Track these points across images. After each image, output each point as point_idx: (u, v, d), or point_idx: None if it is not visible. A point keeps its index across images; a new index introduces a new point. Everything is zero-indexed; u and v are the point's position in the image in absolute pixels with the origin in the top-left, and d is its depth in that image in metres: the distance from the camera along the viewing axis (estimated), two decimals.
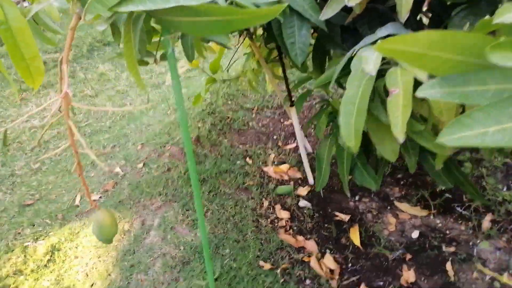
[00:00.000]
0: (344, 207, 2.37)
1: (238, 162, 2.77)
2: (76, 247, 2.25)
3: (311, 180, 2.56)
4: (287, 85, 2.07)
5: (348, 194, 1.94)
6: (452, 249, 2.07)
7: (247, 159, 2.82)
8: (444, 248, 2.08)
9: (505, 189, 2.37)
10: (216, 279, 1.81)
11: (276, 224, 2.27)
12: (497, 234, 2.11)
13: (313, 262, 2.03)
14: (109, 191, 2.58)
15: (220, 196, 2.43)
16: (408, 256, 2.04)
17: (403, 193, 2.44)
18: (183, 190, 2.41)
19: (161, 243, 2.07)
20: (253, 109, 3.41)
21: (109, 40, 5.34)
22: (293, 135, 3.09)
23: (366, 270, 2.00)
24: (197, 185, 1.31)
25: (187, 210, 2.27)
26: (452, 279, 1.91)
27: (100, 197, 2.56)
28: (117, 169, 2.76)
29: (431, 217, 2.26)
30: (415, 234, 2.16)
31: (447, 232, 2.16)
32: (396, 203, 2.37)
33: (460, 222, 2.22)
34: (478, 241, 2.10)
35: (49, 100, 4.04)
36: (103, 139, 3.27)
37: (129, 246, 2.10)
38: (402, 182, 2.53)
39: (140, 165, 2.69)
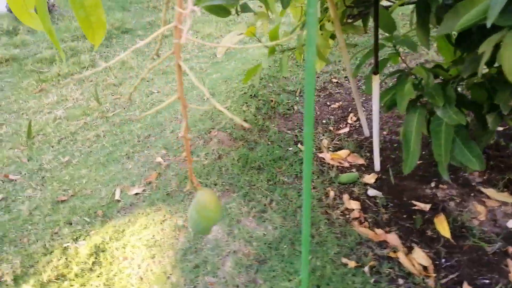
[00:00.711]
0: (421, 195, 2.11)
1: (290, 148, 2.51)
2: (124, 247, 2.00)
3: (377, 166, 2.29)
4: (377, 49, 1.79)
5: (448, 178, 1.67)
6: None
7: (299, 145, 2.56)
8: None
9: None
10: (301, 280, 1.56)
11: (348, 216, 2.01)
12: None
13: (402, 258, 1.77)
14: (153, 183, 2.33)
15: (280, 186, 2.17)
16: (510, 249, 1.77)
17: (485, 177, 2.17)
18: (241, 179, 2.15)
19: (227, 239, 1.81)
20: (295, 92, 3.14)
21: (127, 27, 5.06)
22: (343, 119, 2.82)
23: (464, 266, 1.73)
24: (309, 179, 1.05)
25: (249, 201, 2.01)
26: None
27: (144, 190, 2.30)
28: (158, 159, 2.50)
29: None
30: (510, 224, 1.90)
31: None
32: (482, 189, 2.10)
33: None
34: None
35: (71, 88, 3.77)
36: (135, 128, 3.01)
37: (188, 244, 1.85)
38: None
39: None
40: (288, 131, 2.70)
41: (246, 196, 2.05)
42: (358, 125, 2.76)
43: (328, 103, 3.04)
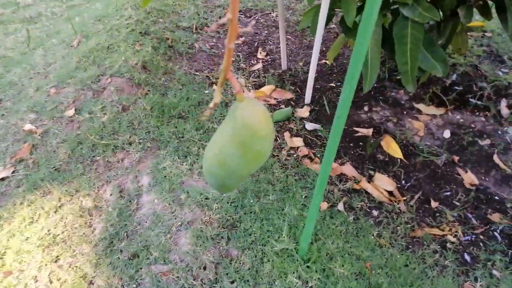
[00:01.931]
0: (359, 121, 1.96)
1: (207, 91, 2.08)
2: (2, 257, 1.35)
3: (308, 99, 2.05)
4: None
5: (413, 90, 1.51)
6: (487, 141, 1.86)
7: (214, 86, 2.14)
8: (480, 142, 1.86)
9: (500, 73, 2.27)
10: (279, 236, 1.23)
11: (296, 155, 1.73)
12: None
13: (369, 188, 1.59)
14: (27, 159, 1.64)
15: (212, 134, 1.75)
16: (455, 158, 1.76)
17: (410, 95, 2.14)
18: (163, 132, 1.65)
19: (174, 209, 1.34)
20: (191, 28, 2.64)
21: None
22: (252, 55, 2.48)
23: (424, 183, 1.65)
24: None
25: (185, 156, 1.55)
26: (509, 171, 1.70)
27: (15, 172, 1.60)
28: (28, 126, 1.78)
29: (450, 113, 2.02)
30: (446, 134, 1.90)
31: (473, 126, 1.95)
32: (414, 104, 2.06)
33: (478, 113, 2.03)
34: (505, 128, 1.94)
35: None
36: None
37: (112, 228, 1.32)
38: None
39: (70, 112, 1.77)
40: (197, 73, 2.24)
41: (179, 151, 1.58)
42: (269, 59, 2.46)
43: None
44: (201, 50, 2.47)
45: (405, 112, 2.03)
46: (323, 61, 2.44)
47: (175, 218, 1.33)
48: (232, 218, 1.32)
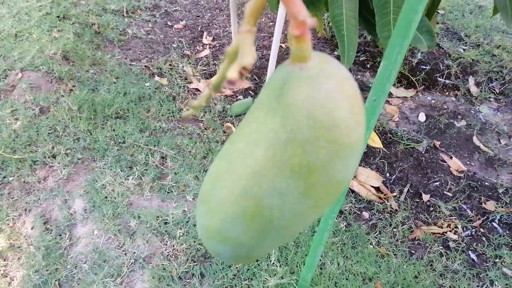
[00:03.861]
0: None
1: (147, 84, 1.72)
2: None
3: None
4: None
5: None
6: (463, 122, 1.75)
7: (157, 77, 1.79)
8: (457, 124, 1.73)
9: (461, 50, 2.18)
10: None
11: None
12: (485, 94, 1.89)
13: (354, 185, 1.37)
14: None
15: (161, 134, 1.41)
16: (436, 143, 1.61)
17: (373, 75, 1.96)
18: (98, 137, 1.28)
19: (121, 241, 0.99)
20: (121, 12, 2.24)
21: None
22: (196, 40, 2.16)
23: (410, 174, 1.48)
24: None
25: (130, 168, 1.20)
26: (491, 153, 1.58)
27: None
28: None
29: (421, 95, 1.88)
30: (422, 117, 1.75)
31: (446, 106, 1.82)
32: None
33: (448, 93, 1.91)
34: (477, 107, 1.84)
35: None
36: None
37: (45, 270, 0.95)
38: (369, 65, 2.04)
39: None
40: (133, 62, 1.87)
41: (121, 161, 1.22)
42: (217, 44, 2.16)
43: (169, 24, 2.29)
44: (136, 37, 2.09)
45: None
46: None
47: (125, 254, 0.99)
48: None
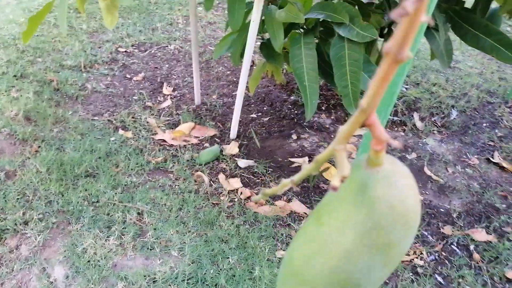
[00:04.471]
0: (291, 151, 1.84)
1: (113, 138, 1.73)
2: None
3: (234, 133, 1.86)
4: None
5: (354, 111, 1.41)
6: (414, 155, 1.91)
7: (121, 131, 1.80)
8: (408, 157, 1.90)
9: (404, 89, 2.41)
10: None
11: (238, 199, 1.51)
12: (430, 128, 2.10)
13: None
14: None
15: (134, 190, 1.41)
16: None
17: (332, 117, 2.11)
18: (70, 198, 1.24)
19: None
20: (79, 67, 2.24)
21: None
22: (157, 92, 2.21)
23: None
24: None
25: (109, 227, 1.17)
26: (441, 181, 1.74)
27: None
28: None
29: None
30: None
31: (397, 140, 1.98)
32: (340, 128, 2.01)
33: (397, 128, 2.09)
34: (424, 140, 2.02)
35: None
36: None
37: None
38: (324, 107, 2.19)
39: None
40: (96, 117, 1.86)
41: (98, 222, 1.20)
42: (178, 95, 2.22)
43: (128, 76, 2.32)
44: (96, 91, 2.09)
45: (332, 136, 1.97)
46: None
47: None
48: None
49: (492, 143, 2.03)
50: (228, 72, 2.51)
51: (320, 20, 1.44)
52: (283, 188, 0.28)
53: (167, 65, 2.53)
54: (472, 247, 1.39)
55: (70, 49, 2.31)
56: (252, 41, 1.47)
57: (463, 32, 1.44)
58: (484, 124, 2.20)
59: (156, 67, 2.49)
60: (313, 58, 1.42)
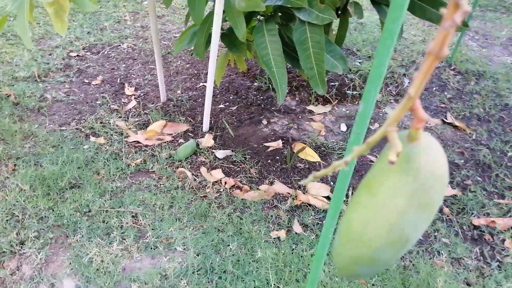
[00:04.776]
0: (264, 136, 1.90)
1: (86, 146, 1.70)
2: None
3: (206, 126, 1.89)
4: None
5: (324, 91, 1.51)
6: (376, 125, 2.05)
7: (93, 138, 1.77)
8: (372, 127, 2.03)
9: (358, 63, 2.53)
10: None
11: (224, 189, 1.55)
12: (387, 98, 2.24)
13: (309, 199, 1.53)
14: None
15: (122, 195, 1.41)
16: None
17: (297, 99, 2.19)
18: (62, 211, 1.21)
19: None
20: (33, 77, 2.15)
21: None
22: (119, 93, 2.17)
23: (358, 178, 1.68)
24: None
25: (107, 235, 1.16)
26: None
27: None
28: None
29: (336, 108, 2.15)
30: (343, 127, 2.00)
31: None
32: (309, 108, 2.11)
33: (357, 102, 2.21)
34: (383, 110, 2.16)
35: None
36: None
37: None
38: (287, 90, 2.26)
39: None
40: (63, 127, 1.81)
41: (97, 230, 1.19)
42: (142, 94, 2.20)
43: (86, 81, 2.26)
44: (57, 100, 2.02)
45: (300, 117, 2.06)
46: (201, 84, 2.30)
47: None
48: None
49: (443, 105, 2.21)
50: (188, 66, 2.50)
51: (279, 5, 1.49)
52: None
53: (123, 65, 2.48)
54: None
55: (19, 60, 2.20)
56: (217, 34, 1.50)
57: (411, 4, 1.55)
58: (434, 88, 2.38)
59: (113, 68, 2.43)
60: (278, 45, 1.47)
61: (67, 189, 1.36)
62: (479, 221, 1.47)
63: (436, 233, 1.42)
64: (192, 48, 2.09)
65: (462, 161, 1.80)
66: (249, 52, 1.80)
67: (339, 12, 1.70)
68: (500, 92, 2.36)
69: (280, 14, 1.62)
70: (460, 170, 1.73)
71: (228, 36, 1.72)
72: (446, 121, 2.07)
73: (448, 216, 1.49)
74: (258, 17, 1.69)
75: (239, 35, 1.51)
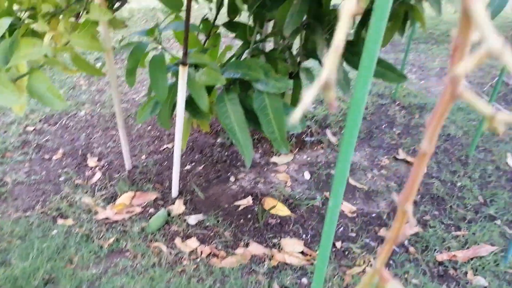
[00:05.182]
0: (234, 194, 1.95)
1: (55, 232, 1.67)
2: None
3: (175, 192, 1.92)
4: (187, 31, 1.34)
5: (287, 150, 1.60)
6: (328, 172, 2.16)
7: (60, 220, 1.75)
8: (332, 172, 2.14)
9: (311, 109, 2.68)
10: None
11: (201, 259, 1.58)
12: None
13: (285, 258, 1.59)
14: None
15: (100, 283, 1.39)
16: (327, 194, 1.96)
17: (260, 152, 2.28)
18: None
19: None
20: None
21: None
22: (82, 166, 2.16)
23: (319, 228, 1.77)
24: None
25: None
26: (365, 188, 2.01)
27: None
28: None
29: (298, 156, 2.26)
30: (307, 176, 2.10)
31: (319, 160, 2.23)
32: (271, 160, 2.19)
33: (316, 148, 2.34)
34: None
35: None
36: None
37: None
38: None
39: None
40: (27, 213, 1.77)
41: None
42: (106, 163, 2.19)
43: (46, 157, 2.22)
44: (18, 183, 1.98)
45: (265, 169, 2.14)
46: (165, 146, 2.34)
47: None
48: None
49: (394, 142, 2.38)
50: (149, 128, 2.54)
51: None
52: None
53: (83, 134, 2.46)
54: (406, 242, 1.66)
55: None
56: (181, 110, 1.56)
57: (355, 63, 1.71)
58: (384, 126, 2.57)
59: (73, 139, 2.41)
60: (240, 113, 1.56)
61: (42, 286, 1.33)
62: (442, 256, 1.59)
63: (406, 275, 1.52)
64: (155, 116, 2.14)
65: (419, 196, 1.94)
66: (211, 113, 1.87)
67: (292, 75, 1.83)
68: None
69: (239, 83, 1.72)
70: (419, 206, 1.87)
71: (191, 104, 1.79)
72: (399, 157, 2.23)
73: (414, 255, 1.60)
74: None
75: (203, 107, 1.58)
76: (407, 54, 2.69)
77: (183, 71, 1.43)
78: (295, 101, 1.86)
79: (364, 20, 1.61)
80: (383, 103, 2.83)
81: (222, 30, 1.91)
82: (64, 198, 1.89)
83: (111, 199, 1.92)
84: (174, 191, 1.91)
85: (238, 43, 1.88)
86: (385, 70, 1.65)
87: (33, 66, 1.12)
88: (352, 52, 1.70)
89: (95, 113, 2.69)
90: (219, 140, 2.39)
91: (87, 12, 1.10)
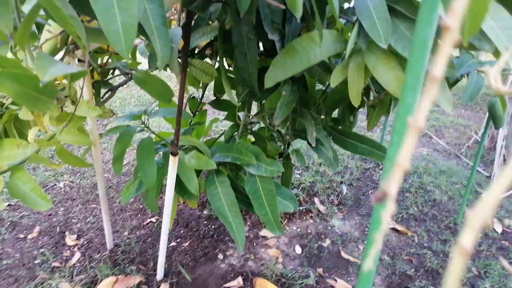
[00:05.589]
0: (223, 274, 1.86)
1: None
2: None
3: (160, 274, 1.81)
4: (179, 120, 1.31)
5: (281, 232, 1.55)
6: (328, 241, 2.12)
7: None
8: (324, 245, 2.09)
9: (298, 176, 2.67)
10: None
11: None
12: (331, 209, 2.36)
13: None
14: None
15: None
16: (319, 270, 1.90)
17: (249, 224, 2.22)
18: None
19: None
20: None
21: None
22: (60, 246, 2.03)
23: None
24: None
25: None
26: (359, 261, 1.96)
27: None
28: None
29: (288, 228, 2.21)
30: (298, 250, 2.04)
31: (309, 231, 2.18)
32: (260, 233, 2.13)
33: (305, 217, 2.30)
34: (330, 223, 2.26)
35: None
36: None
37: None
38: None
39: None
40: None
41: None
42: (85, 242, 2.07)
43: (21, 236, 2.08)
44: None
45: (255, 244, 2.07)
46: (149, 220, 2.24)
47: None
48: None
49: None
50: (132, 200, 2.45)
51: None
52: None
53: (62, 208, 2.35)
54: None
55: None
56: (170, 197, 1.51)
57: (343, 143, 1.72)
58: (370, 191, 2.57)
59: (51, 214, 2.29)
60: (231, 195, 1.52)
61: None
62: None
63: None
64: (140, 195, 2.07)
65: (413, 270, 1.90)
66: (199, 192, 1.82)
67: (283, 156, 1.83)
68: (426, 187, 2.61)
69: (230, 165, 1.70)
70: (414, 281, 1.82)
71: (179, 184, 1.74)
72: (389, 226, 2.21)
73: None
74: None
75: (191, 189, 1.53)
76: (385, 128, 2.77)
77: (173, 161, 1.40)
78: (287, 181, 1.85)
79: (350, 104, 1.66)
80: (367, 167, 2.86)
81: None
82: (39, 285, 1.75)
83: (92, 284, 1.78)
84: (160, 274, 1.80)
85: (224, 113, 1.88)
86: (372, 149, 1.68)
87: (15, 164, 1.06)
88: (339, 132, 1.73)
89: (75, 184, 2.59)
90: (205, 212, 2.32)
91: (76, 108, 1.07)
